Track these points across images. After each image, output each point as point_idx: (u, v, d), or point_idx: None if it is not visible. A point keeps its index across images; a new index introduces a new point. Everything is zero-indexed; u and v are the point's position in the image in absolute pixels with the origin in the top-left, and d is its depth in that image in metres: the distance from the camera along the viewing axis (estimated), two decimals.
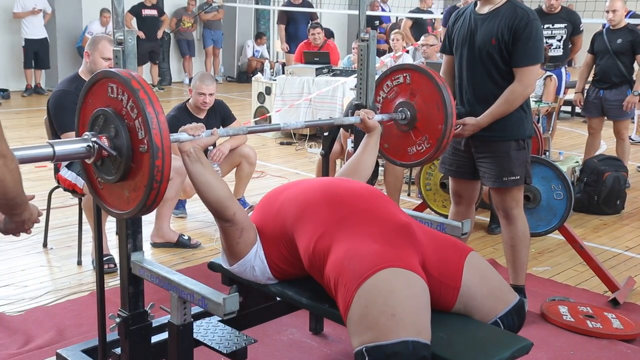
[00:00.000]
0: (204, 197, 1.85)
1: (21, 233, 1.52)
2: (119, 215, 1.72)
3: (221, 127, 2.11)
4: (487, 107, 2.64)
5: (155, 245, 3.58)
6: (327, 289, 1.83)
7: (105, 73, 1.66)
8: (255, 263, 1.97)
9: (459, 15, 2.79)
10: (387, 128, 2.48)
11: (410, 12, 8.62)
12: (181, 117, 3.82)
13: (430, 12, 8.76)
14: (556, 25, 5.10)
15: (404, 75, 2.46)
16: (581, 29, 5.31)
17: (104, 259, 2.98)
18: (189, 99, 3.91)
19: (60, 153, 1.60)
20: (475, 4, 2.70)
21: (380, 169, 4.16)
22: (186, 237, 3.61)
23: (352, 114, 2.69)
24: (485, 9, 2.66)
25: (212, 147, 3.94)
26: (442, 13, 9.16)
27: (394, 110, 2.48)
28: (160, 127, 1.55)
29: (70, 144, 1.63)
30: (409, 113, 2.43)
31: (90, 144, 1.62)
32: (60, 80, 3.40)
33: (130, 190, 1.64)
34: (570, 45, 5.28)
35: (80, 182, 3.16)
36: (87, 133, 1.64)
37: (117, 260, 2.98)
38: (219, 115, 3.98)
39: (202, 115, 3.89)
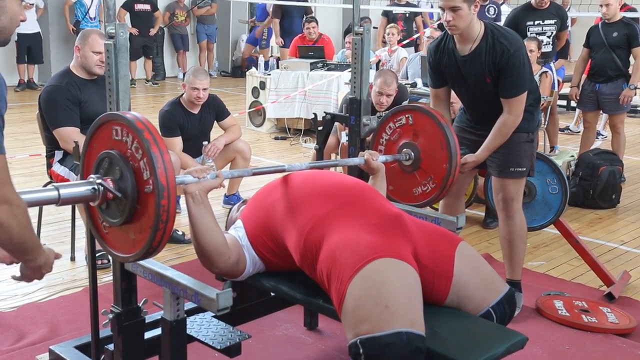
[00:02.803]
0: (202, 240, 1.81)
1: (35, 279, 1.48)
2: (125, 259, 1.71)
3: (225, 169, 2.10)
4: (501, 107, 2.65)
5: None
6: (320, 282, 1.83)
7: (110, 116, 1.67)
8: (247, 263, 1.97)
9: (438, 52, 2.72)
10: (391, 170, 2.45)
11: (389, 5, 8.58)
12: (175, 112, 3.79)
13: (413, 5, 8.71)
14: (546, 22, 5.10)
15: (406, 116, 2.45)
16: (567, 24, 5.32)
17: (97, 254, 2.95)
18: (182, 94, 3.89)
19: (66, 196, 1.60)
20: (454, 41, 2.65)
21: None
22: (180, 233, 3.59)
23: (347, 109, 2.67)
24: (466, 49, 2.61)
25: (206, 142, 3.91)
26: (431, 6, 9.15)
27: (397, 152, 2.47)
28: (166, 167, 1.55)
29: (76, 187, 1.63)
30: (412, 154, 2.43)
31: (96, 187, 1.62)
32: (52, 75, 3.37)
33: (135, 232, 1.64)
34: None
35: (72, 177, 3.13)
36: (92, 176, 1.64)
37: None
38: (213, 110, 3.96)
39: (195, 111, 3.86)
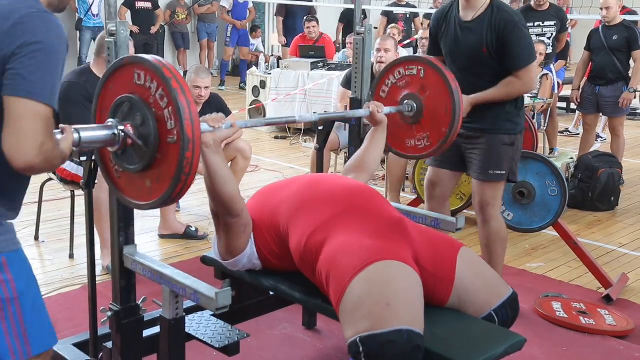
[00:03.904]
0: (219, 190, 1.80)
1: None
2: (139, 206, 1.65)
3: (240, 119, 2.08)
4: (485, 106, 2.64)
5: (162, 237, 3.59)
6: (319, 284, 1.82)
7: (133, 59, 1.58)
8: (247, 253, 1.97)
9: (441, 19, 2.74)
10: (390, 115, 2.44)
11: (388, 5, 8.60)
12: None
13: (413, 6, 8.73)
14: (546, 23, 5.11)
15: (419, 68, 2.41)
16: (567, 26, 5.32)
17: None
18: None
19: (86, 139, 1.53)
20: (458, 9, 2.67)
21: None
22: (193, 229, 3.62)
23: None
24: (469, 16, 2.63)
25: None
26: (431, 8, 9.14)
27: (400, 98, 2.44)
28: (192, 118, 1.50)
29: (95, 131, 1.57)
30: (415, 106, 2.40)
31: (116, 132, 1.56)
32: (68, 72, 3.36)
33: (153, 180, 1.58)
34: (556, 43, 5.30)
35: (82, 173, 3.13)
36: (111, 120, 1.57)
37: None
38: (215, 109, 3.95)
39: (197, 109, 3.85)
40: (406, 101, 2.41)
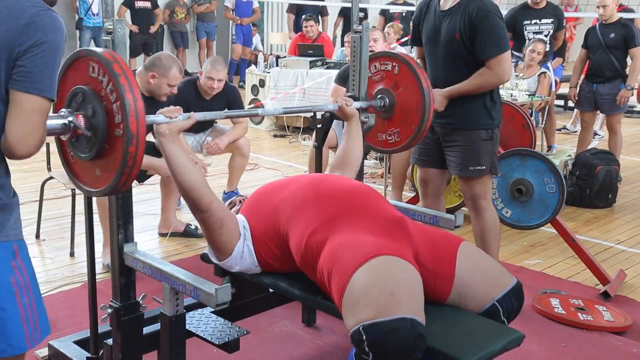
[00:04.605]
0: (179, 180, 1.82)
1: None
2: (90, 192, 1.74)
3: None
4: (459, 101, 2.65)
5: (162, 235, 3.60)
6: (320, 282, 1.83)
7: (88, 52, 1.65)
8: (244, 256, 1.96)
9: (424, 8, 2.78)
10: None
11: (387, 4, 8.62)
12: (186, 90, 3.70)
13: (411, 4, 8.74)
14: (543, 21, 5.12)
15: (393, 64, 2.46)
16: (564, 24, 5.33)
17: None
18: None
19: None
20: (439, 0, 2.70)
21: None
22: (193, 227, 3.62)
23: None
24: (448, 4, 2.66)
25: (209, 139, 3.91)
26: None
27: (374, 92, 2.50)
28: (138, 115, 1.55)
29: (49, 120, 1.60)
30: (387, 101, 2.45)
31: (66, 122, 1.62)
32: None
33: (101, 169, 1.65)
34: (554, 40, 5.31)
35: None
36: (63, 110, 1.64)
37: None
38: (225, 100, 3.90)
39: (208, 97, 3.82)
40: (379, 96, 2.47)
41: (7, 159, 1.44)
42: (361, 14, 7.77)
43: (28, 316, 1.44)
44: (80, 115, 1.62)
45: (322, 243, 1.82)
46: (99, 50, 1.63)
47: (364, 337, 1.60)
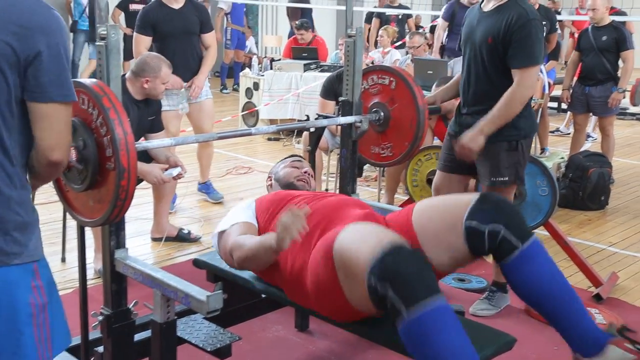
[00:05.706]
0: (259, 262, 1.93)
1: None
2: (84, 222, 1.76)
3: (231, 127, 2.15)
4: (481, 107, 2.59)
5: (155, 239, 3.58)
6: (313, 296, 1.84)
7: (77, 83, 1.63)
8: None
9: (472, 10, 2.76)
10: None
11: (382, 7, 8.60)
12: (151, 9, 3.77)
13: (406, 7, 8.75)
14: None
15: (391, 79, 2.47)
16: (556, 27, 5.35)
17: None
18: None
19: None
20: (483, 1, 2.67)
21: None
22: (186, 231, 3.62)
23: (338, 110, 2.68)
24: (489, 6, 2.61)
25: (186, 84, 3.81)
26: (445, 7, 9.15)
27: (370, 105, 2.51)
28: (128, 149, 1.56)
29: None
30: (383, 115, 2.47)
31: None
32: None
33: (95, 200, 1.67)
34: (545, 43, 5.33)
35: None
36: None
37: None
38: (197, 15, 3.86)
39: (176, 6, 3.79)
40: (375, 109, 2.48)
41: (28, 171, 1.39)
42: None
43: (41, 336, 1.42)
44: (72, 148, 1.62)
45: (300, 270, 1.87)
46: (87, 82, 1.63)
47: (372, 279, 1.60)
